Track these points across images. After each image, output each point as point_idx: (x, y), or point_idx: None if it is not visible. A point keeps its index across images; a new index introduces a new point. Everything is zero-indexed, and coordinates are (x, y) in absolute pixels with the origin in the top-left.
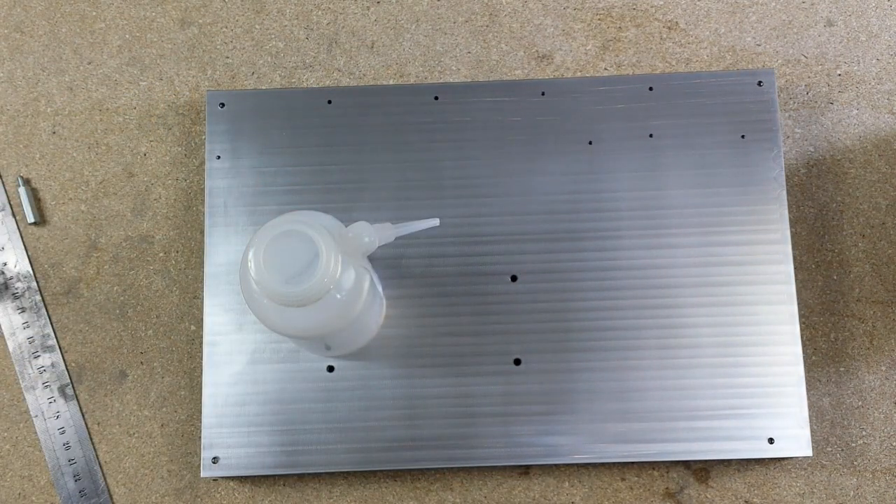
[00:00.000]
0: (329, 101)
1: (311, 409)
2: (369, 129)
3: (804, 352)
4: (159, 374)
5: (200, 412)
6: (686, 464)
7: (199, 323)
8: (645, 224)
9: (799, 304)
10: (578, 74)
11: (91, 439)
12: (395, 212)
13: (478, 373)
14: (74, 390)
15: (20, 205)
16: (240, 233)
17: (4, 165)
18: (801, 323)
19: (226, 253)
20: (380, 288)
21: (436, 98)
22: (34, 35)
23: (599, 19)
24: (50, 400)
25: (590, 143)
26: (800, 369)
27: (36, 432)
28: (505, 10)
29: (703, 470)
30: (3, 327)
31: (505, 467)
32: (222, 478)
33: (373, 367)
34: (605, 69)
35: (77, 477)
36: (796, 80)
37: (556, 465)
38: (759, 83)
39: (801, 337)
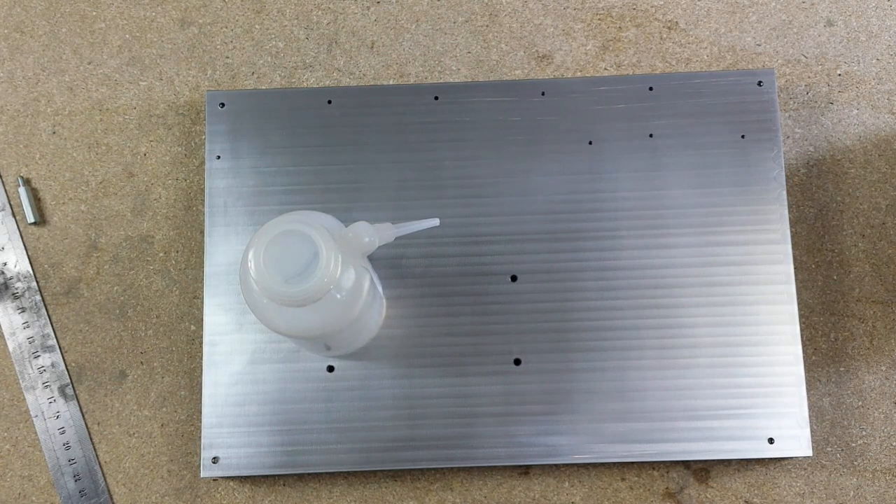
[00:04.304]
0: (329, 101)
1: (311, 409)
2: (369, 129)
3: (804, 352)
4: (159, 374)
5: (200, 412)
6: (686, 464)
7: (199, 323)
8: (645, 224)
9: (799, 304)
10: (578, 74)
11: (91, 439)
12: (395, 212)
13: (478, 373)
14: (74, 390)
15: (20, 205)
16: (240, 233)
17: (4, 165)
18: (801, 323)
19: (226, 253)
20: (380, 288)
21: (436, 98)
22: (34, 35)
23: (599, 19)
24: (50, 400)
25: (590, 143)
26: (800, 369)
27: (36, 432)
28: (505, 10)
29: (703, 470)
30: (3, 327)
31: (505, 467)
32: (222, 478)
33: (373, 367)
34: (605, 69)
35: (77, 477)
36: (796, 80)
37: (556, 465)
38: (759, 83)
39: (801, 337)
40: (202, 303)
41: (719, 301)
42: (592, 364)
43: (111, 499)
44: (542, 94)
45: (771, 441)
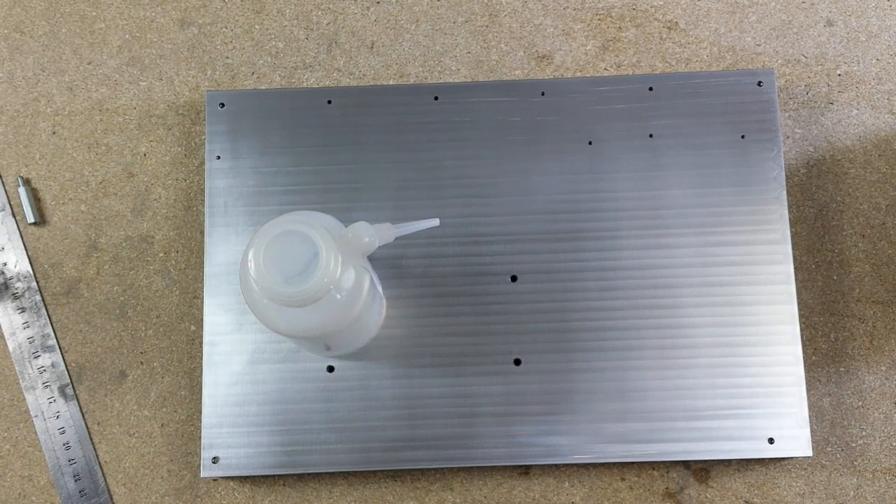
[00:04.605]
0: (329, 101)
1: (311, 409)
2: (369, 129)
3: (804, 352)
4: (159, 374)
5: (200, 412)
6: (686, 464)
7: (199, 323)
8: (645, 224)
9: (799, 304)
10: (578, 74)
11: (91, 439)
12: (395, 212)
13: (478, 373)
14: (74, 390)
15: (20, 205)
16: (240, 233)
17: (4, 165)
18: (801, 323)
19: (226, 253)
20: (380, 288)
21: (436, 98)
22: (34, 35)
23: (599, 19)
24: (50, 400)
25: (590, 143)
26: (800, 369)
27: (36, 432)
28: (505, 10)
29: (703, 470)
30: (3, 327)
31: (505, 467)
32: (222, 478)
33: (373, 367)
34: (605, 69)
35: (77, 477)
36: (796, 80)
37: (556, 465)
38: (759, 83)
39: (801, 337)
40: (202, 303)
41: (719, 301)
42: (592, 364)
43: (111, 499)
44: (542, 94)
45: (771, 441)
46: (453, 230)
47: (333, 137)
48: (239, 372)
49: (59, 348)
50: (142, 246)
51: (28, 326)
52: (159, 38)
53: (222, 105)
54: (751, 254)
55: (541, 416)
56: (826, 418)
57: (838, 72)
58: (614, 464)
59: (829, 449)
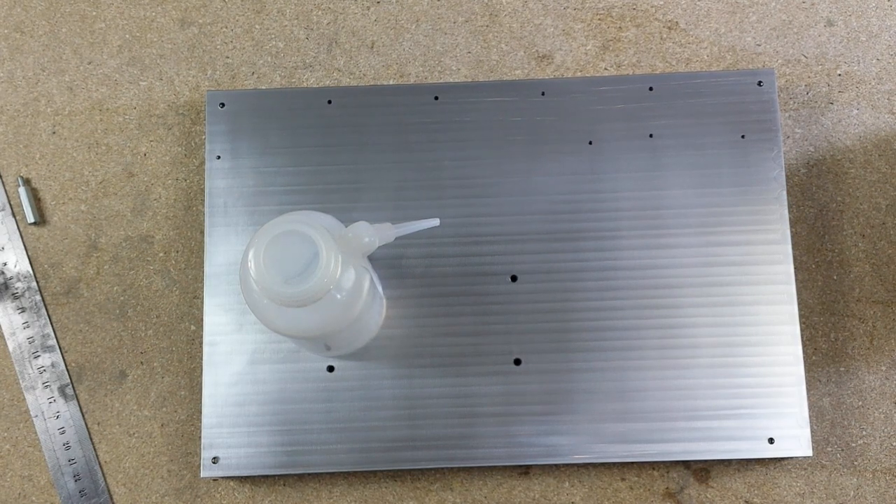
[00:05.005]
0: (329, 101)
1: (311, 409)
2: (369, 129)
3: (804, 352)
4: (159, 374)
5: (200, 412)
6: (686, 464)
7: (199, 323)
8: (645, 224)
9: (799, 304)
10: (578, 74)
11: (91, 439)
12: (395, 212)
13: (478, 373)
14: (74, 390)
15: (20, 205)
16: (240, 233)
17: (4, 165)
18: (801, 323)
19: (226, 253)
20: (380, 288)
21: (436, 98)
22: (34, 35)
23: (599, 19)
24: (50, 400)
25: (590, 143)
26: (800, 369)
27: (36, 432)
28: (505, 10)
29: (703, 470)
30: (3, 327)
31: (505, 467)
32: (222, 478)
33: (373, 367)
34: (605, 69)
35: (77, 477)
36: (796, 80)
37: (556, 465)
38: (759, 83)
39: (801, 337)
40: (202, 303)
41: (719, 301)
42: (592, 364)
43: (111, 499)
44: (542, 94)
45: (771, 441)
46: (453, 230)
47: (333, 137)
48: (239, 372)
49: (59, 348)
50: (142, 246)
51: (28, 326)
52: (159, 37)
53: (222, 105)
54: (751, 254)
55: (541, 416)
56: (826, 418)
57: (838, 72)
58: (614, 464)
59: (829, 449)
